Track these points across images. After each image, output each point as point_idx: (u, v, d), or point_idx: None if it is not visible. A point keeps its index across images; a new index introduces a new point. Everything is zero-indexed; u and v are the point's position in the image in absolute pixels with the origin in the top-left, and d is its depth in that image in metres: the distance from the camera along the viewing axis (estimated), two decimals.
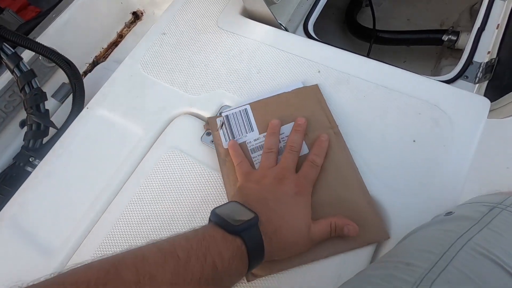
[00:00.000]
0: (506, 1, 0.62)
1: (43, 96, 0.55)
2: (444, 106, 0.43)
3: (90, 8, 0.69)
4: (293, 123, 0.42)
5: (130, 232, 0.40)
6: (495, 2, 0.62)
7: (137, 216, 0.41)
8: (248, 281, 0.35)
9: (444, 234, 0.26)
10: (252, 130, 0.43)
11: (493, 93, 0.53)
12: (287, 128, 0.42)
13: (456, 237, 0.24)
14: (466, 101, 0.43)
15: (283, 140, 0.42)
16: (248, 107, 0.44)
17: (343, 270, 0.36)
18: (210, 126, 0.44)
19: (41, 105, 0.55)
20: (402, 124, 0.42)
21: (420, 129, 0.42)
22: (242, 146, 0.42)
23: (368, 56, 0.88)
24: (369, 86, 0.45)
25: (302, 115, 0.42)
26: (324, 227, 0.34)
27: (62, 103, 0.66)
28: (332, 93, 0.45)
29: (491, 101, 0.49)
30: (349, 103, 0.44)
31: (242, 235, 0.29)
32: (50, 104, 0.63)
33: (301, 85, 0.46)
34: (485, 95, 0.54)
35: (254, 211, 0.31)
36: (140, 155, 0.44)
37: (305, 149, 0.41)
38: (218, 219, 0.31)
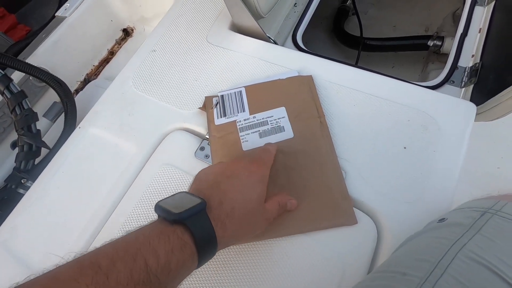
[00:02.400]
0: (486, 7, 0.64)
1: (34, 117, 0.55)
2: (432, 112, 0.43)
3: (80, 27, 0.70)
4: (283, 107, 0.45)
5: None
6: (475, 8, 0.65)
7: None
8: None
9: (438, 241, 0.26)
10: (244, 110, 0.46)
11: (479, 96, 0.54)
12: (276, 112, 0.45)
13: (449, 245, 0.25)
14: (453, 107, 0.44)
15: (270, 123, 0.44)
16: (243, 89, 0.47)
17: (343, 280, 0.36)
18: (206, 104, 0.47)
19: (32, 125, 0.55)
20: (393, 131, 0.43)
21: (410, 136, 0.42)
22: (232, 124, 0.45)
23: (357, 63, 0.90)
24: (359, 95, 0.46)
25: (293, 101, 0.46)
26: (274, 206, 0.35)
27: (54, 122, 0.65)
28: (322, 103, 0.46)
29: (478, 104, 0.50)
30: (340, 112, 0.45)
31: (186, 223, 0.27)
32: (41, 123, 0.63)
33: (296, 74, 0.48)
34: (471, 98, 0.55)
35: (204, 197, 0.30)
36: (134, 173, 0.44)
37: (290, 133, 0.43)
38: (160, 211, 0.29)
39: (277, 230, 0.38)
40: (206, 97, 0.48)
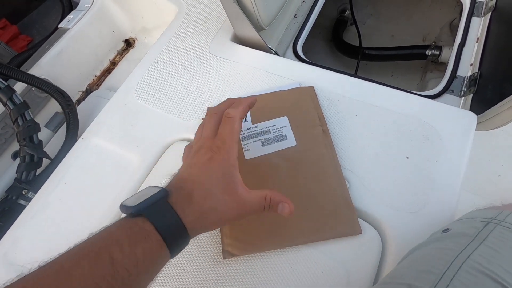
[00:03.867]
0: (483, 18, 0.66)
1: (36, 128, 0.55)
2: (434, 122, 0.44)
3: (82, 38, 0.70)
4: (285, 117, 0.45)
5: None
6: (472, 19, 0.66)
7: None
8: (224, 258, 0.37)
9: (443, 252, 0.26)
10: (246, 120, 0.46)
11: (479, 105, 0.55)
12: (279, 121, 0.45)
13: (454, 256, 0.25)
14: (454, 117, 0.44)
15: (273, 132, 0.44)
16: None
17: None
18: None
19: (34, 136, 0.55)
20: (395, 141, 0.43)
21: (413, 146, 0.43)
22: None
23: (356, 73, 0.91)
24: (360, 105, 0.46)
25: (295, 111, 0.46)
26: (257, 199, 0.32)
27: (56, 132, 0.65)
28: (324, 113, 0.46)
29: (478, 114, 0.51)
30: (342, 123, 0.45)
31: (143, 213, 0.27)
32: (43, 134, 0.63)
33: (298, 85, 0.49)
34: (471, 107, 0.56)
35: (168, 187, 0.30)
36: (137, 183, 0.44)
37: (292, 141, 0.43)
38: (122, 209, 0.28)
39: (281, 241, 0.38)
40: (209, 107, 0.48)
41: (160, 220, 0.27)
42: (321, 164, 0.42)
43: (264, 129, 0.45)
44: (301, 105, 0.47)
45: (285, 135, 0.44)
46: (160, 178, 0.44)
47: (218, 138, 0.33)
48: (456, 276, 0.23)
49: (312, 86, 0.48)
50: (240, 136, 0.44)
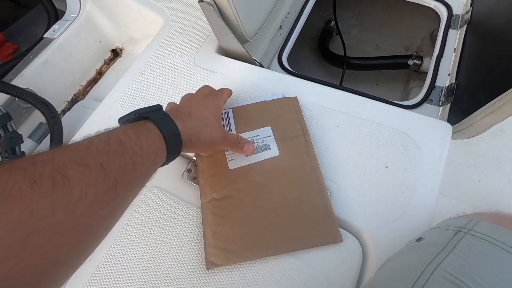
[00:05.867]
0: (459, 30, 0.69)
1: (19, 139, 0.55)
2: (411, 132, 0.45)
3: (68, 48, 0.70)
4: (269, 127, 0.46)
5: (113, 274, 0.39)
6: (449, 31, 0.69)
7: (120, 258, 0.40)
8: (207, 269, 0.38)
9: (415, 261, 0.27)
10: (230, 130, 0.47)
11: (456, 115, 0.57)
12: (262, 131, 0.46)
13: (425, 264, 0.26)
14: (431, 127, 0.46)
15: (257, 142, 0.45)
16: (230, 110, 0.48)
17: None
18: None
19: (17, 148, 0.54)
20: (375, 151, 0.45)
21: (391, 156, 0.44)
22: None
23: (341, 81, 0.93)
24: (341, 116, 0.48)
25: (279, 121, 0.47)
26: (233, 136, 0.41)
27: (40, 143, 0.65)
28: (307, 123, 0.47)
29: (455, 123, 0.53)
30: (323, 133, 0.47)
31: (147, 116, 0.32)
32: (27, 145, 0.62)
33: (281, 96, 0.50)
34: (449, 117, 0.58)
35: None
36: None
37: (275, 151, 0.44)
38: (122, 120, 0.34)
39: (264, 250, 0.39)
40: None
41: (160, 121, 0.32)
42: (303, 174, 0.43)
43: (248, 139, 0.45)
44: (284, 115, 0.47)
45: (268, 145, 0.45)
46: (146, 189, 0.44)
47: (209, 94, 0.42)
48: (426, 284, 0.24)
49: (295, 97, 0.49)
50: None
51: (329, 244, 0.39)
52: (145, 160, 0.28)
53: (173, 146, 0.32)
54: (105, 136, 0.27)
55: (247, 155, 0.44)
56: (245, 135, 0.46)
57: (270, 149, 0.45)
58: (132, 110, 0.35)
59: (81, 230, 0.22)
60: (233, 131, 0.46)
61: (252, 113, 0.48)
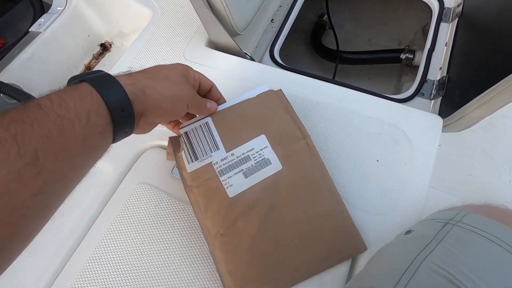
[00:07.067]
0: (451, 23, 0.68)
1: None
2: (402, 126, 0.45)
3: (55, 42, 0.69)
4: (263, 135, 0.39)
5: (102, 272, 0.39)
6: (441, 24, 0.69)
7: (109, 255, 0.39)
8: None
9: (403, 254, 0.27)
10: (217, 148, 0.38)
11: (447, 108, 0.57)
12: (256, 142, 0.39)
13: (413, 256, 0.26)
14: (421, 120, 0.46)
15: (253, 158, 0.38)
16: (209, 120, 0.39)
17: None
18: (172, 146, 0.40)
19: None
20: (366, 145, 0.44)
21: (383, 149, 0.44)
22: (208, 168, 0.37)
23: (334, 76, 0.93)
24: (333, 110, 0.47)
25: (271, 125, 0.40)
26: (198, 96, 0.36)
27: None
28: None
29: (446, 116, 0.53)
30: (314, 128, 0.46)
31: (83, 78, 0.26)
32: None
33: (267, 88, 0.43)
34: (440, 110, 0.58)
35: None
36: (109, 193, 0.43)
37: (278, 165, 0.38)
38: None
39: (288, 280, 0.35)
40: (170, 137, 0.40)
41: (94, 78, 0.26)
42: (313, 185, 0.38)
43: (242, 156, 0.38)
44: (275, 115, 0.41)
45: (268, 158, 0.38)
46: (134, 185, 0.43)
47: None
48: (414, 276, 0.24)
49: (280, 89, 0.44)
50: (217, 170, 0.38)
51: (355, 255, 0.37)
52: (74, 123, 0.23)
53: (115, 101, 0.26)
54: (23, 104, 0.22)
55: (211, 114, 0.38)
56: (237, 151, 0.38)
57: (271, 163, 0.38)
58: None
59: (4, 213, 0.19)
60: (221, 148, 0.38)
61: (237, 118, 0.40)
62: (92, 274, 0.39)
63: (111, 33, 0.78)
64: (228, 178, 0.37)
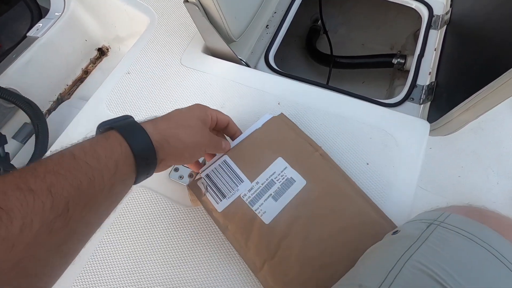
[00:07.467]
0: (439, 30, 0.71)
1: (2, 140, 0.54)
2: (391, 130, 0.47)
3: (53, 47, 0.69)
4: (279, 158, 0.41)
5: (101, 274, 0.40)
6: (430, 31, 0.71)
7: (107, 257, 0.40)
8: None
9: (390, 253, 0.28)
10: (242, 180, 0.39)
11: (436, 113, 0.59)
12: (276, 165, 0.40)
13: (399, 255, 0.27)
14: (409, 125, 0.47)
15: (277, 180, 0.40)
16: (226, 157, 0.41)
17: None
18: (195, 194, 0.40)
19: (0, 149, 0.54)
20: (356, 149, 0.46)
21: (372, 153, 0.46)
22: (238, 202, 0.38)
23: (328, 80, 0.95)
24: (325, 115, 0.49)
25: (284, 146, 0.42)
26: (216, 137, 0.38)
27: (24, 144, 0.64)
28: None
29: (435, 120, 0.55)
30: (307, 132, 0.48)
31: (110, 125, 0.28)
32: (11, 145, 0.61)
33: (269, 117, 0.45)
34: (429, 114, 0.60)
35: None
36: None
37: (302, 181, 0.39)
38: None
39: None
40: (188, 185, 0.40)
41: (122, 126, 0.27)
42: (340, 189, 0.40)
43: (267, 182, 0.39)
44: (284, 138, 0.43)
45: (291, 177, 0.40)
46: (132, 191, 0.44)
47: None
48: (399, 274, 0.25)
49: (282, 113, 0.46)
50: (247, 202, 0.38)
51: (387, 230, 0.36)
52: (104, 173, 0.24)
53: (142, 151, 0.27)
54: (59, 153, 0.24)
55: (227, 151, 0.40)
56: (260, 179, 0.40)
57: (295, 181, 0.40)
58: (118, 114, 0.32)
59: (29, 264, 0.20)
60: (246, 181, 0.39)
61: (252, 149, 0.42)
62: (91, 276, 0.40)
63: (108, 38, 0.79)
64: (259, 206, 0.38)
